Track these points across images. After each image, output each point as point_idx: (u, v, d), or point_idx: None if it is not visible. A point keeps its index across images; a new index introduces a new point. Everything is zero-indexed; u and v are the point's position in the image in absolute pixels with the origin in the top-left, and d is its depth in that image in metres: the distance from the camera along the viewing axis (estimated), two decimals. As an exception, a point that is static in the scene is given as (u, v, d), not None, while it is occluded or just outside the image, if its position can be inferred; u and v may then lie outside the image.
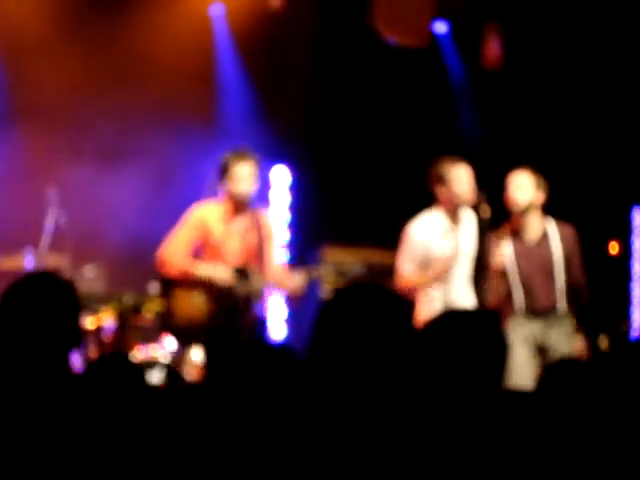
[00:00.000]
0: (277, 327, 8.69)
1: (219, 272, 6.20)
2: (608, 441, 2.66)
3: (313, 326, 2.45)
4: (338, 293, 2.51)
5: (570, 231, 6.11)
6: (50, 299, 2.84)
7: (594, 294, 6.26)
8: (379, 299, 2.45)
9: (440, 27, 9.33)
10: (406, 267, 6.16)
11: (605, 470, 2.61)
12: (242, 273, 6.25)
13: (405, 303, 2.50)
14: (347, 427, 2.33)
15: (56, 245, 7.00)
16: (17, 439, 2.59)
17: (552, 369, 2.85)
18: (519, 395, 2.72)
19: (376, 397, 2.37)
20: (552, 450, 2.59)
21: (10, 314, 2.84)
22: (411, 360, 2.44)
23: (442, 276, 6.05)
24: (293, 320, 8.77)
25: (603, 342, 6.91)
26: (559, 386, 2.77)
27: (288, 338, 8.63)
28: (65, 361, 2.82)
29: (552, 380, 2.79)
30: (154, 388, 5.45)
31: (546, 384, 2.79)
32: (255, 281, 6.23)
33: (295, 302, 7.59)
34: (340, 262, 6.75)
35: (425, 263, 6.10)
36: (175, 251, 6.25)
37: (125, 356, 3.02)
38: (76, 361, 6.65)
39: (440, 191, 6.10)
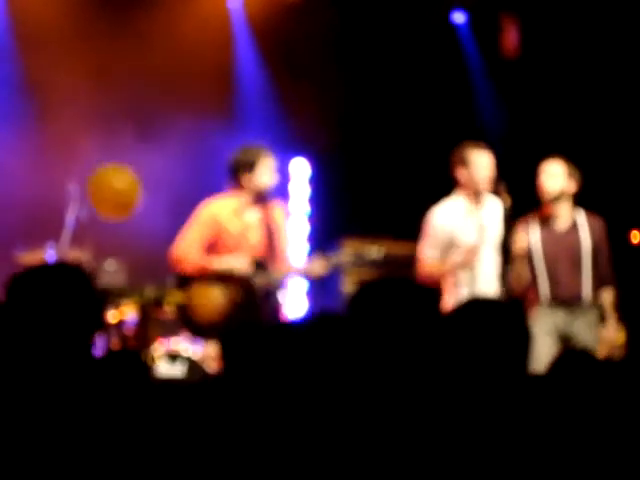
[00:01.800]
0: (299, 302, 8.67)
1: (237, 262, 6.19)
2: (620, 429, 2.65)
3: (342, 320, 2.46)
4: (365, 287, 2.51)
5: (599, 222, 6.10)
6: (62, 290, 2.81)
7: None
8: (406, 293, 2.46)
9: (458, 17, 9.32)
10: (428, 253, 6.13)
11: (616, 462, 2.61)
12: (260, 265, 6.24)
13: (432, 295, 2.50)
14: (375, 415, 2.34)
15: (77, 239, 7.02)
16: (30, 426, 2.59)
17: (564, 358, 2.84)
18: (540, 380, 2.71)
19: (405, 387, 2.37)
20: (574, 438, 2.59)
21: (16, 305, 2.82)
22: (438, 351, 2.45)
23: (467, 264, 6.02)
24: (314, 295, 8.75)
25: (623, 332, 6.87)
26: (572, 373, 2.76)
27: (309, 313, 8.62)
28: (83, 351, 2.81)
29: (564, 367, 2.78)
30: (163, 383, 5.45)
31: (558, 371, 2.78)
32: (273, 272, 6.22)
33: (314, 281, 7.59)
34: (359, 247, 6.69)
35: (448, 249, 6.09)
36: (188, 248, 6.23)
37: (134, 353, 3.00)
38: (97, 354, 6.68)
39: (460, 174, 6.12)
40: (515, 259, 5.99)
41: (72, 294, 2.79)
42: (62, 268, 2.88)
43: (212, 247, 6.31)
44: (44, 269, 2.90)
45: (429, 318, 2.45)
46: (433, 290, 2.59)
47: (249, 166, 6.20)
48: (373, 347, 2.40)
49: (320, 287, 8.08)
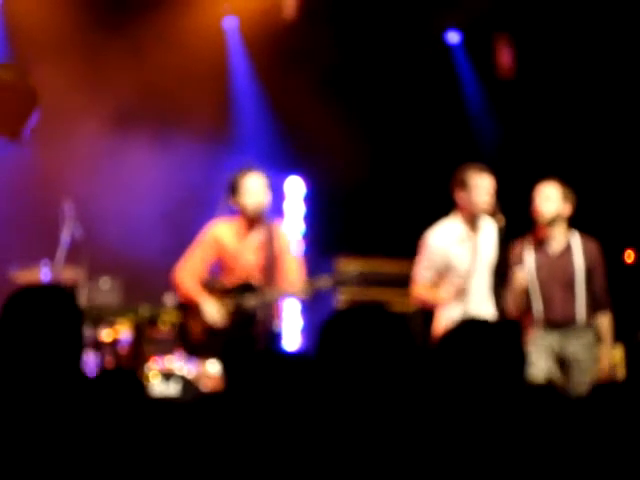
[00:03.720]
0: (293, 338, 8.69)
1: (213, 313, 6.21)
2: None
3: (316, 344, 2.50)
4: (336, 315, 2.55)
5: (594, 245, 6.08)
6: (47, 311, 2.85)
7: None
8: (375, 320, 2.49)
9: (453, 37, 9.35)
10: (423, 275, 6.13)
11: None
12: (249, 287, 6.25)
13: (402, 322, 2.53)
14: (358, 435, 2.34)
15: (72, 258, 7.02)
16: (20, 444, 2.60)
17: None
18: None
19: (381, 410, 2.38)
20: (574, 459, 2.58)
21: (8, 327, 2.85)
22: (416, 375, 2.46)
23: (456, 297, 6.03)
24: (308, 331, 8.77)
25: (618, 352, 6.88)
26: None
27: (303, 349, 8.63)
28: (72, 369, 2.83)
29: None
30: (158, 401, 5.45)
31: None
32: (263, 292, 6.23)
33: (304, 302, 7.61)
34: (339, 271, 6.74)
35: (443, 271, 6.09)
36: (188, 273, 6.29)
37: (129, 371, 3.02)
38: (91, 373, 6.67)
39: (460, 196, 6.10)
40: (514, 292, 5.98)
41: (56, 315, 2.84)
42: (48, 289, 2.93)
43: (217, 267, 6.37)
44: (32, 290, 2.94)
45: (401, 345, 2.47)
46: (403, 317, 2.61)
47: (233, 189, 6.26)
48: (347, 372, 2.42)
49: (314, 305, 8.08)
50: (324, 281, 6.39)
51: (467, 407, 2.55)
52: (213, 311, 6.22)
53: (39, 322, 2.83)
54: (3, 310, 2.87)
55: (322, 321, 2.56)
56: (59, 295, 2.89)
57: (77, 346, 2.87)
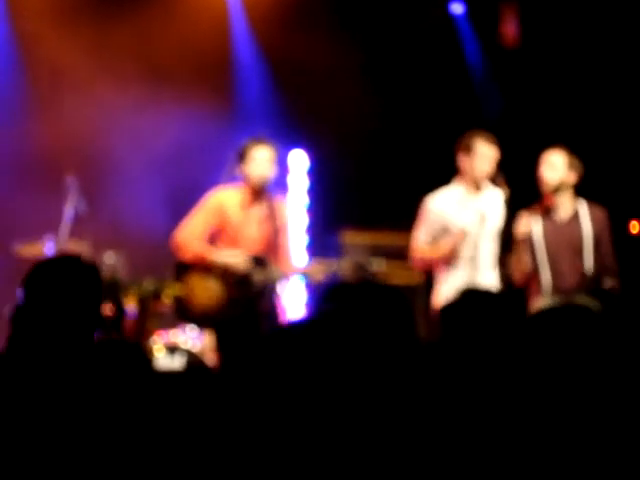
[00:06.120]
0: (296, 312, 8.69)
1: (236, 259, 6.17)
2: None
3: (314, 317, 2.50)
4: (335, 288, 2.55)
5: (601, 213, 6.09)
6: (74, 282, 2.85)
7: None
8: (375, 296, 2.49)
9: (457, 8, 9.29)
10: (420, 238, 6.17)
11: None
12: (260, 261, 6.23)
13: (400, 298, 2.52)
14: (356, 414, 2.34)
15: (76, 232, 7.01)
16: (29, 422, 2.60)
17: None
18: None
19: (377, 386, 2.38)
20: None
21: (32, 297, 2.84)
22: (416, 347, 2.46)
23: (456, 249, 6.02)
24: (312, 304, 8.76)
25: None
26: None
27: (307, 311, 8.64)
28: (87, 343, 2.84)
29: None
30: (162, 374, 5.47)
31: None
32: (273, 269, 6.21)
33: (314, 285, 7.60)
34: (360, 257, 6.73)
35: (441, 236, 6.10)
36: (190, 235, 6.24)
37: (135, 344, 3.03)
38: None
39: (462, 160, 6.14)
40: (517, 244, 5.99)
41: (87, 287, 2.84)
42: (78, 262, 2.93)
43: (214, 236, 6.32)
44: (62, 261, 2.94)
45: (399, 317, 2.47)
46: (402, 292, 2.61)
47: (241, 157, 6.24)
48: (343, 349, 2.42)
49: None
50: (340, 266, 6.39)
51: (468, 376, 2.55)
52: (234, 257, 6.17)
53: (61, 293, 2.82)
54: (26, 280, 2.86)
55: (322, 292, 2.55)
56: (83, 267, 2.89)
57: (96, 320, 2.88)
